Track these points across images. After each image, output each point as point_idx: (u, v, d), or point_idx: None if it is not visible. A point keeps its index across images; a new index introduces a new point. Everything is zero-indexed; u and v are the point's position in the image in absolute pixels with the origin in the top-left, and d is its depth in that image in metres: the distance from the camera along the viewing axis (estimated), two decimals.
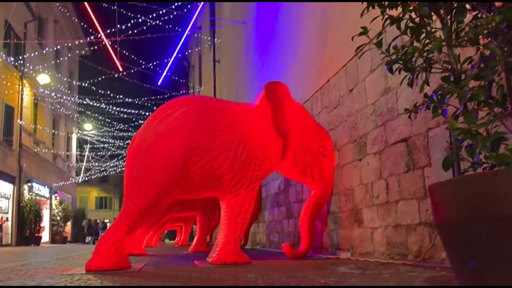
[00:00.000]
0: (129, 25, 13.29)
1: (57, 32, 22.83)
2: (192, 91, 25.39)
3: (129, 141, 18.45)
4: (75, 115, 25.91)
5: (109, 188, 43.74)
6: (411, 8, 2.01)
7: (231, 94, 12.88)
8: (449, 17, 1.96)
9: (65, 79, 22.70)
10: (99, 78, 18.12)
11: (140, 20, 13.17)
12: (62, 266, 4.61)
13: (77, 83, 22.58)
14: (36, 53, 17.81)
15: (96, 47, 17.32)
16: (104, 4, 14.20)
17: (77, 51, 25.92)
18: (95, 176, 27.24)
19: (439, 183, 1.79)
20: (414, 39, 2.06)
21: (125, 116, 20.59)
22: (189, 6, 13.89)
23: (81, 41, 22.74)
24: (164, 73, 17.69)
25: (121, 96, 18.86)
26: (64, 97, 21.77)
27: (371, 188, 4.32)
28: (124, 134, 23.18)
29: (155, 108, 11.93)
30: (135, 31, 13.37)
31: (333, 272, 3.05)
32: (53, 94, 19.87)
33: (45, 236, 20.27)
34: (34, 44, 19.14)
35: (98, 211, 41.33)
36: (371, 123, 4.36)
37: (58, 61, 21.63)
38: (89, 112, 23.23)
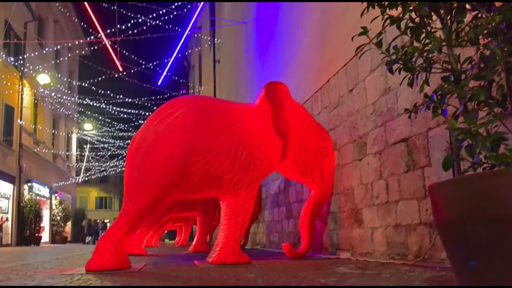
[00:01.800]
0: (129, 25, 13.31)
1: (57, 32, 22.83)
2: (192, 91, 25.38)
3: (129, 141, 18.45)
4: (75, 115, 25.92)
5: (109, 188, 43.74)
6: (411, 8, 2.01)
7: (231, 94, 12.88)
8: (449, 17, 1.96)
9: (65, 79, 22.70)
10: (99, 78, 18.14)
11: (140, 20, 13.18)
12: (62, 266, 4.61)
13: (77, 83, 22.58)
14: (36, 53, 17.80)
15: (96, 47, 17.34)
16: (104, 4, 14.22)
17: (77, 51, 25.92)
18: (95, 176, 27.25)
19: (439, 183, 1.79)
20: (414, 39, 2.06)
21: (125, 116, 20.61)
22: (189, 6, 13.90)
23: (81, 41, 22.74)
24: (164, 73, 17.72)
25: (121, 96, 18.88)
26: (64, 97, 21.77)
27: (371, 188, 4.32)
28: (124, 134, 23.21)
29: (155, 108, 11.93)
30: (135, 31, 13.39)
31: (333, 272, 3.05)
32: (53, 94, 19.87)
33: (45, 236, 20.26)
34: (34, 44, 19.13)
35: (98, 211, 41.32)
36: (371, 123, 4.36)
37: (58, 61, 21.64)
38: (89, 112, 23.26)
